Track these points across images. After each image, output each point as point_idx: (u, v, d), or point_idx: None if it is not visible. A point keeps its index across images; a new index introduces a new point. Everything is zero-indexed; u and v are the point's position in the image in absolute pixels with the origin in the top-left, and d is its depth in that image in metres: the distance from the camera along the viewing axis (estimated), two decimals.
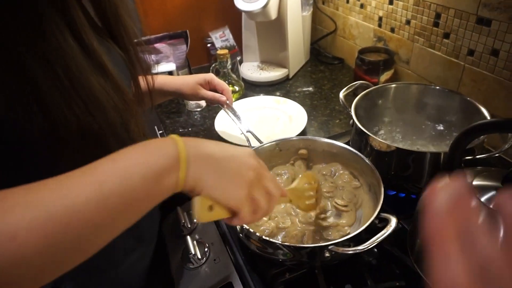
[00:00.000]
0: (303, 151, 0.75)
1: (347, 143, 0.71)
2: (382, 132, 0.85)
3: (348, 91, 0.82)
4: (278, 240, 0.60)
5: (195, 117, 1.07)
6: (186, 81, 0.81)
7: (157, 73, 0.63)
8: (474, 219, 0.20)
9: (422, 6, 0.91)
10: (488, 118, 0.68)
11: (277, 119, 1.00)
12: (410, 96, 0.83)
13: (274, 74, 1.21)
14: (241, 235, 0.58)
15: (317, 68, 1.32)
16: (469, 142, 0.49)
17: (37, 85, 0.36)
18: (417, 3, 0.92)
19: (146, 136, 0.50)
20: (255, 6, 1.03)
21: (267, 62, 1.28)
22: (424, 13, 0.91)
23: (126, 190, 0.32)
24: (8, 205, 0.27)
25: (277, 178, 0.73)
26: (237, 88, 1.12)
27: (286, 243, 0.54)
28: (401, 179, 0.69)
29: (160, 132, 1.01)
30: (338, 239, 0.52)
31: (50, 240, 0.28)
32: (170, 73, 1.10)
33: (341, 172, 0.72)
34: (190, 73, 1.24)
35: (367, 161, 0.65)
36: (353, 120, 0.72)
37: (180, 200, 0.72)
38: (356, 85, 0.83)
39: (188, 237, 0.64)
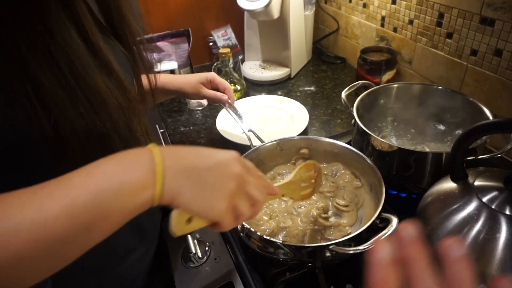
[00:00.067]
0: (304, 151, 0.74)
1: (348, 143, 0.71)
2: (384, 132, 0.85)
3: (350, 90, 0.82)
4: (279, 239, 0.60)
5: (197, 116, 1.07)
6: (188, 80, 0.81)
7: (159, 72, 0.62)
8: (417, 269, 0.21)
9: (425, 6, 0.91)
10: (491, 118, 0.68)
11: (279, 118, 1.00)
12: (412, 96, 0.83)
13: (276, 73, 1.21)
14: (242, 234, 0.58)
15: (319, 68, 1.32)
16: (471, 142, 0.48)
17: (40, 83, 0.36)
18: (420, 2, 0.92)
19: (149, 135, 0.50)
20: (257, 5, 1.03)
21: (269, 61, 1.28)
22: (427, 12, 0.91)
23: (99, 206, 0.31)
24: None
25: (278, 177, 0.73)
26: (238, 87, 1.12)
27: (287, 243, 0.54)
28: (403, 179, 0.68)
29: (162, 130, 1.01)
30: (339, 239, 0.52)
31: (19, 255, 0.27)
32: (172, 71, 1.10)
33: (343, 172, 0.72)
34: (192, 71, 1.24)
35: (368, 161, 0.65)
36: (355, 119, 0.72)
37: None
38: (358, 85, 0.83)
39: (189, 236, 0.64)
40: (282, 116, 1.01)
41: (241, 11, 1.11)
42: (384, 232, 0.51)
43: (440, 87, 0.80)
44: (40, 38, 0.36)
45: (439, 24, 0.89)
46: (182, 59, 1.19)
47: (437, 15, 0.88)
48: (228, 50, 1.03)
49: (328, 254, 0.52)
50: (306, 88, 1.18)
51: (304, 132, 0.91)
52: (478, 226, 0.45)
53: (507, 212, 0.44)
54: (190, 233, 0.37)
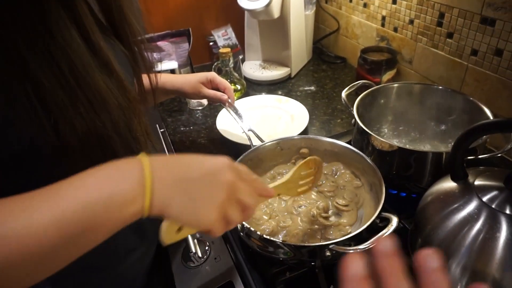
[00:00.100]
0: (304, 150, 0.74)
1: (348, 143, 0.71)
2: (384, 131, 0.85)
3: (350, 90, 0.82)
4: (279, 239, 0.60)
5: (197, 115, 1.07)
6: (188, 80, 0.81)
7: (159, 71, 0.62)
8: (393, 281, 0.21)
9: (425, 6, 0.91)
10: (491, 118, 0.68)
11: (279, 118, 1.00)
12: (413, 96, 0.83)
13: (276, 73, 1.21)
14: (242, 234, 0.58)
15: (319, 67, 1.32)
16: (471, 142, 0.48)
17: (40, 83, 0.36)
18: (420, 2, 0.92)
19: (149, 135, 0.50)
20: (258, 5, 1.03)
21: (269, 61, 1.28)
22: (427, 12, 0.91)
23: (88, 218, 0.31)
24: None
25: (278, 177, 0.73)
26: (239, 87, 1.12)
27: (287, 242, 0.54)
28: (403, 179, 0.68)
29: (162, 130, 1.01)
30: (339, 238, 0.52)
31: (7, 262, 0.28)
32: (172, 71, 1.10)
33: (343, 171, 0.72)
34: (192, 71, 1.24)
35: (368, 160, 0.65)
36: (355, 119, 0.72)
37: None
38: (358, 85, 0.83)
39: (189, 236, 0.64)
40: (282, 115, 1.01)
41: (241, 10, 1.11)
42: (384, 231, 0.51)
43: (440, 87, 0.80)
44: (40, 38, 0.36)
45: (439, 24, 0.88)
46: (182, 58, 1.19)
47: (438, 15, 0.88)
48: (228, 49, 1.03)
49: (328, 253, 0.52)
50: (306, 88, 1.18)
51: (304, 132, 0.91)
52: (478, 225, 0.45)
53: (507, 212, 0.44)
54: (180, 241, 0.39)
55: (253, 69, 1.24)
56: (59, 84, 0.37)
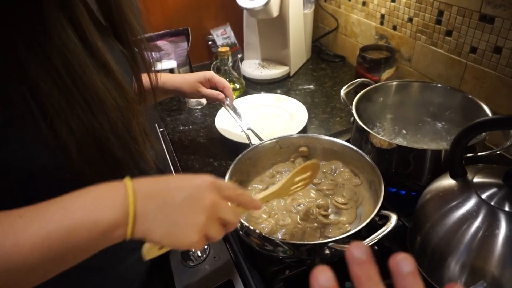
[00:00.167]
0: (303, 149, 0.74)
1: (347, 141, 0.71)
2: (383, 129, 0.85)
3: (349, 88, 0.82)
4: (278, 237, 0.60)
5: (196, 114, 1.07)
6: (186, 79, 0.81)
7: (159, 71, 0.62)
8: (370, 286, 0.21)
9: (424, 4, 0.91)
10: (490, 115, 0.68)
11: (278, 116, 1.00)
12: (412, 94, 0.83)
13: (275, 71, 1.21)
14: (241, 232, 0.58)
15: (318, 66, 1.32)
16: (470, 139, 0.48)
17: (36, 84, 0.36)
18: (419, 0, 0.92)
19: (148, 135, 0.50)
20: (256, 4, 1.03)
21: (268, 59, 1.28)
22: (426, 10, 0.91)
23: (72, 241, 0.33)
24: None
25: (277, 175, 0.73)
26: (238, 86, 1.12)
27: (286, 241, 0.54)
28: (402, 177, 0.68)
29: (161, 130, 1.01)
30: (338, 236, 0.52)
31: None
32: (171, 70, 1.10)
33: (342, 169, 0.72)
34: (191, 70, 1.24)
35: (367, 158, 0.65)
36: (354, 117, 0.72)
37: None
38: (357, 83, 0.83)
39: None
40: (281, 114, 1.01)
41: (240, 9, 1.11)
42: (383, 229, 0.51)
43: (439, 85, 0.80)
44: (36, 38, 0.36)
45: (438, 21, 0.88)
46: (181, 58, 1.19)
47: (437, 13, 0.88)
48: (227, 48, 1.03)
49: (327, 251, 0.52)
50: (305, 87, 1.18)
51: (303, 130, 0.91)
52: (477, 222, 0.45)
53: (506, 209, 0.44)
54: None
55: (252, 68, 1.24)
56: (55, 84, 0.37)
